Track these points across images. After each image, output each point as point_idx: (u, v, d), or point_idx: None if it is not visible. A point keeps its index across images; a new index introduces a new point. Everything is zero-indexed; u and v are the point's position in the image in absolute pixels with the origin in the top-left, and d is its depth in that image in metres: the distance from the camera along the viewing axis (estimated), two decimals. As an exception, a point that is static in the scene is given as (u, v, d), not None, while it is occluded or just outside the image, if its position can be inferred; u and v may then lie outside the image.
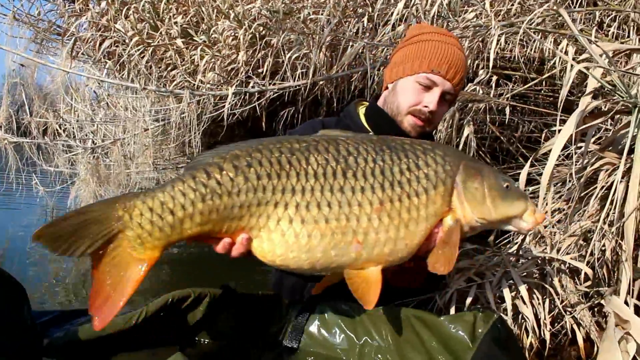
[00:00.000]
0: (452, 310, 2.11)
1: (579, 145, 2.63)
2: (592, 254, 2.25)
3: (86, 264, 4.32)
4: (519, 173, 3.85)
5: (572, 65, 2.10)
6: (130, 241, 1.39)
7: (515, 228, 1.67)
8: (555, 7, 2.68)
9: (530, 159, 2.19)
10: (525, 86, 3.80)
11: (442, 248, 1.55)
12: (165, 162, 5.87)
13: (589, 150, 2.25)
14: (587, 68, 1.88)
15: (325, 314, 1.78)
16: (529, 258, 2.35)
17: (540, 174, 3.17)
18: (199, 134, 3.88)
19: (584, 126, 1.99)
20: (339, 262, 1.49)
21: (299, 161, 1.48)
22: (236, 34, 3.91)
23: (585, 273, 2.26)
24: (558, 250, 2.36)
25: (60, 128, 5.02)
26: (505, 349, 1.51)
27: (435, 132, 3.84)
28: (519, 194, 1.66)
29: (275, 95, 3.97)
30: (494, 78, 3.83)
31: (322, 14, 3.79)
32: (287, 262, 1.48)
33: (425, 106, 2.03)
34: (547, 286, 2.23)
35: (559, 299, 2.21)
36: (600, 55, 1.92)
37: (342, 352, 1.73)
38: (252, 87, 3.90)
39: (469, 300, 2.13)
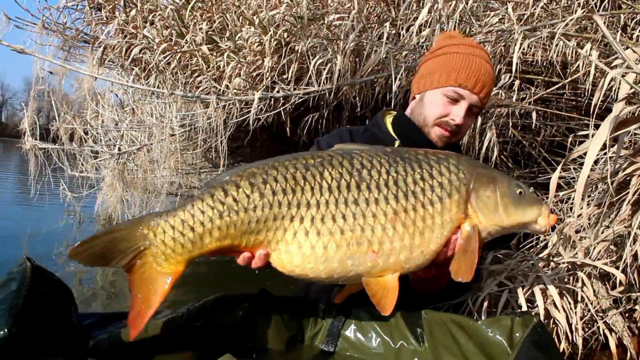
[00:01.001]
0: (484, 314, 2.12)
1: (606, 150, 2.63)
2: (621, 258, 2.25)
3: (103, 271, 4.39)
4: (541, 177, 3.89)
5: (598, 70, 2.11)
6: (155, 257, 1.51)
7: (529, 231, 1.71)
8: (590, 14, 2.67)
9: (561, 164, 2.19)
10: (549, 90, 3.80)
11: (462, 255, 1.60)
12: (188, 167, 5.94)
13: (620, 155, 2.25)
14: (623, 75, 1.88)
15: (361, 318, 1.80)
16: (560, 263, 2.35)
17: (565, 178, 3.19)
18: (225, 139, 3.92)
19: (617, 133, 1.99)
20: (357, 271, 1.55)
21: (313, 176, 1.54)
22: (261, 40, 3.95)
23: (617, 278, 2.26)
24: (589, 255, 2.36)
25: (86, 134, 5.11)
26: (545, 353, 1.51)
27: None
28: (532, 200, 1.67)
29: (300, 100, 4.00)
30: (517, 82, 3.83)
31: (346, 20, 3.82)
32: (305, 272, 1.55)
33: (452, 119, 2.07)
34: (578, 291, 2.23)
35: (591, 304, 2.21)
36: (636, 61, 1.93)
37: (379, 356, 1.75)
38: (278, 92, 3.94)
39: (501, 304, 2.14)
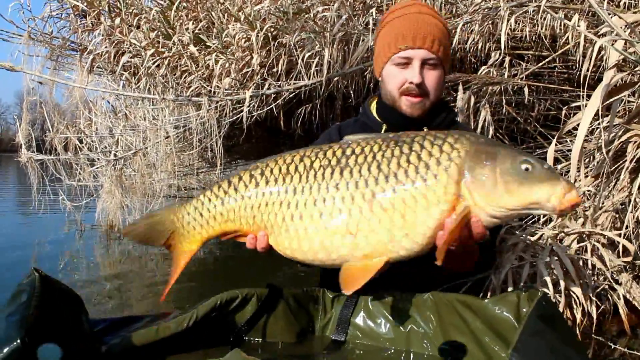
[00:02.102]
0: (510, 289, 2.13)
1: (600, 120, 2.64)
2: (624, 225, 2.26)
3: (109, 278, 4.41)
4: (539, 152, 3.90)
5: (587, 41, 2.11)
6: (179, 236, 1.82)
7: (545, 212, 1.55)
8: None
9: (556, 137, 2.21)
10: (539, 64, 3.80)
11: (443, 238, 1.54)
12: (186, 169, 5.94)
13: (614, 124, 2.26)
14: (612, 42, 1.88)
15: (370, 305, 1.81)
16: (570, 234, 2.36)
17: (563, 151, 3.19)
18: (220, 138, 3.92)
19: (610, 101, 2.00)
20: (339, 254, 1.59)
21: (304, 165, 1.65)
22: (248, 36, 3.93)
23: (620, 245, 2.27)
24: (595, 224, 2.37)
25: (81, 143, 5.10)
26: (552, 326, 1.52)
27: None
28: (543, 175, 1.51)
29: (292, 94, 3.99)
30: (507, 59, 3.83)
31: (331, 11, 3.80)
32: (295, 255, 1.66)
33: (410, 82, 2.01)
34: (589, 260, 2.25)
35: (601, 273, 2.23)
36: (624, 28, 1.93)
37: (389, 342, 1.76)
38: (268, 88, 3.93)
39: (524, 277, 2.16)
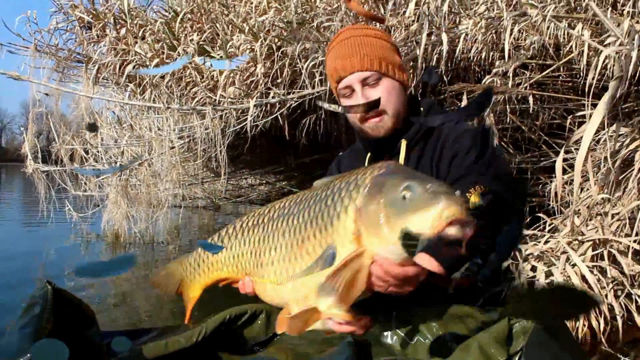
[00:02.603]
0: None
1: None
2: (636, 232, 2.26)
3: (115, 288, 4.42)
4: (544, 161, 3.89)
5: (591, 49, 2.11)
6: (184, 285, 2.01)
7: (435, 239, 1.24)
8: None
9: (563, 148, 2.21)
10: (544, 73, 3.80)
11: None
12: (191, 178, 5.96)
13: (620, 133, 2.26)
14: (617, 52, 1.89)
15: (376, 317, 1.81)
16: (584, 241, 2.36)
17: (569, 161, 3.19)
18: (224, 148, 3.94)
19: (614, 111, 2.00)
20: (288, 299, 1.63)
21: (269, 215, 1.74)
22: (252, 47, 3.96)
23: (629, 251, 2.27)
24: (607, 231, 2.37)
25: (87, 153, 5.14)
26: (556, 336, 1.52)
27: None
28: (419, 201, 1.25)
29: (296, 104, 4.01)
30: (511, 68, 3.82)
31: (335, 22, 3.83)
32: (264, 298, 1.77)
33: (360, 105, 1.92)
34: (607, 268, 2.24)
35: (617, 279, 2.23)
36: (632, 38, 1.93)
37: (397, 353, 1.76)
38: (273, 97, 3.95)
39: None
